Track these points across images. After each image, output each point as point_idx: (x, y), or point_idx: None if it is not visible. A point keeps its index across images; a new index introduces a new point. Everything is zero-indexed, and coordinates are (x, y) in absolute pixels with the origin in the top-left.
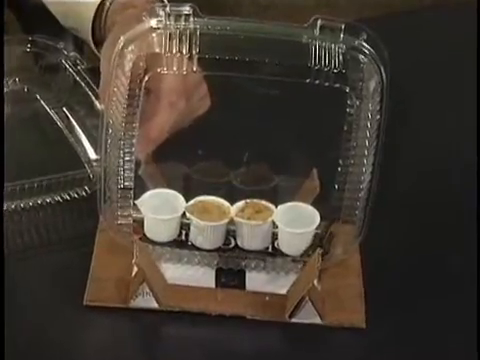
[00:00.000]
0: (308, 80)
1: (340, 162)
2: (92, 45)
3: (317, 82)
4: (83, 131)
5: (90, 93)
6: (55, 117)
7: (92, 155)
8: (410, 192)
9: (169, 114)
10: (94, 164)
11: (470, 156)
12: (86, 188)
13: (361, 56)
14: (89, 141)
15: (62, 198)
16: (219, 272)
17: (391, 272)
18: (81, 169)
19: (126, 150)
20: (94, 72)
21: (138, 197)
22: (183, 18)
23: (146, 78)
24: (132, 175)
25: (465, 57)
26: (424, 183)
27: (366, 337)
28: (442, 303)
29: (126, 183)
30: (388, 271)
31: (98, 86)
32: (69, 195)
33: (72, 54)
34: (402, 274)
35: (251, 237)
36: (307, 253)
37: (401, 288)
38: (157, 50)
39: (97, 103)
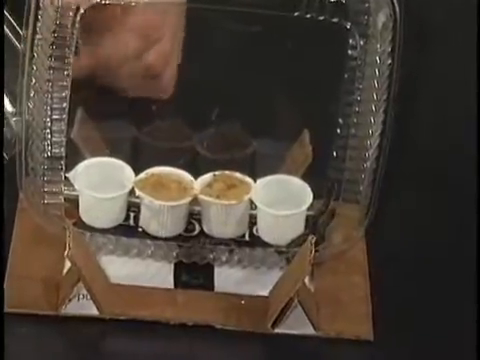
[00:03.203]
0: (297, 13)
1: (340, 121)
2: None
3: (309, 16)
4: None
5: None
6: None
7: (9, 108)
8: (432, 160)
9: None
10: (12, 120)
11: None
12: (5, 154)
13: None
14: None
15: None
16: (179, 268)
17: (406, 268)
18: None
19: (55, 106)
20: None
21: (71, 169)
22: None
23: (81, 10)
24: (63, 139)
25: None
26: (451, 149)
27: (374, 352)
28: (466, 308)
29: (55, 150)
30: (402, 267)
31: (15, 17)
32: None
33: None
34: (419, 271)
35: (221, 221)
36: (296, 242)
37: (418, 290)
38: None
39: (14, 40)
